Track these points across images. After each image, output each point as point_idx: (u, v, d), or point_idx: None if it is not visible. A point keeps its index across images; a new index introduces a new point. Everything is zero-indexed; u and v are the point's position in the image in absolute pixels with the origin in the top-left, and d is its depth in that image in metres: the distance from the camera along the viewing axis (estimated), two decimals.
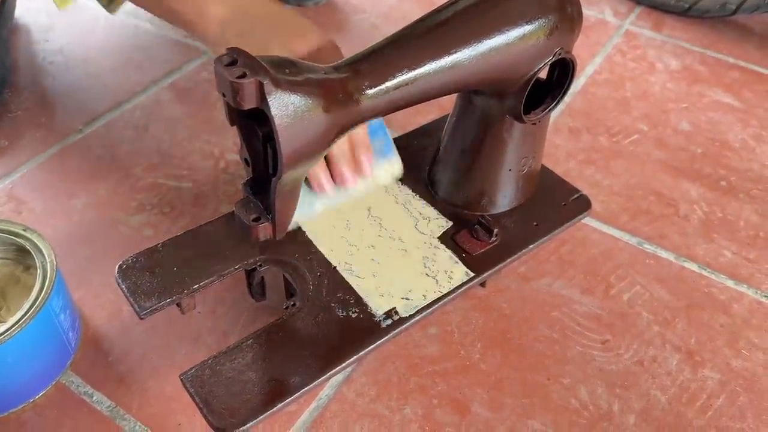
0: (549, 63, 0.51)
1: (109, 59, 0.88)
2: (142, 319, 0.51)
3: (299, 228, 0.57)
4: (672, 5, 0.99)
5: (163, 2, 0.58)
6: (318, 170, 0.51)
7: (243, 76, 0.38)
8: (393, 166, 0.57)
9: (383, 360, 0.57)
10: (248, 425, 0.44)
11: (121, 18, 0.96)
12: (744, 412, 0.54)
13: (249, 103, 0.38)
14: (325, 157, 0.51)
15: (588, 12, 1.00)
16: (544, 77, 0.55)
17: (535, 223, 0.59)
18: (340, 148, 0.51)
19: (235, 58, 0.39)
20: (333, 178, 0.53)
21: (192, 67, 0.88)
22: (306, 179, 0.52)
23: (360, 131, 0.52)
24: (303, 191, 0.51)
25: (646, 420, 0.54)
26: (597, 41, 0.95)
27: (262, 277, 0.56)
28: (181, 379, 0.47)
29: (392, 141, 0.57)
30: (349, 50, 0.46)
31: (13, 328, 0.49)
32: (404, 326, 0.51)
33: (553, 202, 0.61)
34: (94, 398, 0.54)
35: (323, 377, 0.47)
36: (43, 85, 0.85)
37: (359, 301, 0.52)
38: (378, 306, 0.52)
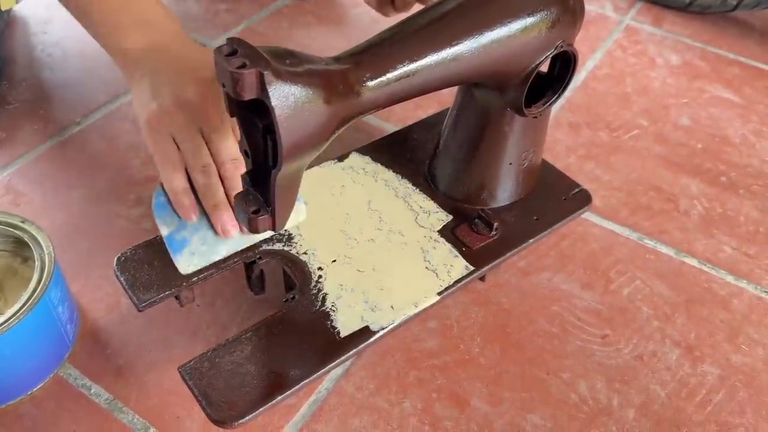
0: (550, 56, 0.51)
1: None
2: (140, 311, 0.50)
3: (299, 221, 0.57)
4: (673, 1, 0.99)
5: (86, 23, 0.59)
6: (222, 211, 0.51)
7: (243, 66, 0.37)
8: (299, 213, 0.56)
9: (382, 354, 0.56)
10: (247, 418, 0.44)
11: None
12: (743, 408, 0.54)
13: (249, 93, 0.38)
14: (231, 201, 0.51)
15: (589, 7, 0.99)
16: (546, 71, 0.55)
17: (535, 218, 0.59)
18: None
19: (235, 48, 0.38)
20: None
21: None
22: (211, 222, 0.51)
23: None
24: (209, 235, 0.51)
25: (646, 415, 0.53)
26: (597, 36, 0.95)
27: (261, 270, 0.56)
28: (180, 372, 0.46)
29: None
30: (349, 44, 0.46)
31: (11, 320, 0.48)
32: (404, 318, 0.51)
33: (554, 197, 0.61)
34: (92, 391, 0.54)
35: (322, 370, 0.47)
36: (41, 77, 0.84)
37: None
38: (377, 300, 0.52)
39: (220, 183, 0.51)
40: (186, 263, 0.51)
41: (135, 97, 0.55)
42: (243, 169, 0.50)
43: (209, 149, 0.52)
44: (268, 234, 0.54)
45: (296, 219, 0.55)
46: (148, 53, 0.56)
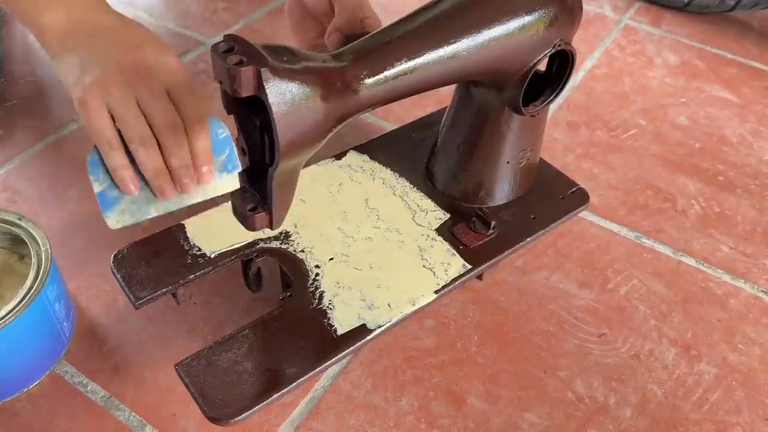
0: (548, 54, 0.51)
1: None
2: (137, 309, 0.50)
3: (296, 219, 0.57)
4: (671, 1, 0.99)
5: (8, 4, 0.57)
6: (161, 180, 0.50)
7: (240, 63, 0.37)
8: (234, 179, 0.53)
9: (379, 352, 0.56)
10: (243, 415, 0.44)
11: (118, 7, 0.95)
12: (740, 407, 0.54)
13: (246, 90, 0.38)
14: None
15: (587, 6, 0.99)
16: (543, 69, 0.55)
17: (532, 216, 0.59)
18: (182, 160, 0.50)
19: (232, 45, 0.38)
20: (174, 185, 0.51)
21: (189, 58, 0.87)
22: (147, 183, 0.51)
23: (203, 144, 0.51)
24: (140, 194, 0.51)
25: (642, 413, 0.54)
26: (596, 36, 0.95)
27: (259, 268, 0.56)
28: (176, 369, 0.46)
29: (237, 155, 0.53)
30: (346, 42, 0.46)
31: (7, 317, 0.48)
32: (401, 317, 0.51)
33: (551, 196, 0.61)
34: (89, 388, 0.54)
35: (319, 368, 0.47)
36: (39, 74, 0.84)
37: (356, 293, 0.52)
38: (374, 298, 0.52)
39: (157, 151, 0.50)
40: (115, 220, 0.50)
41: (62, 75, 0.54)
42: (180, 132, 0.50)
43: (144, 114, 0.51)
44: (217, 192, 0.53)
45: (232, 185, 0.53)
46: (71, 27, 0.54)
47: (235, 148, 0.53)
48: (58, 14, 0.55)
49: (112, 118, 0.50)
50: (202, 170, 0.50)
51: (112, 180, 0.51)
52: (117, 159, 0.50)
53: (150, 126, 0.50)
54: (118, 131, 0.50)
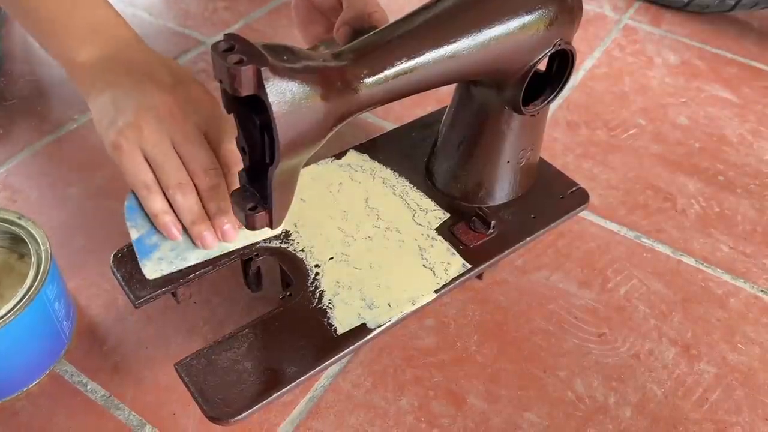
0: (548, 54, 0.51)
1: None
2: (137, 308, 0.50)
3: (296, 218, 0.57)
4: (671, 0, 0.99)
5: (33, 31, 0.55)
6: (201, 227, 0.49)
7: (240, 62, 0.37)
8: None
9: (379, 351, 0.56)
10: (243, 415, 0.44)
11: (118, 6, 0.95)
12: (740, 406, 0.54)
13: (246, 89, 0.38)
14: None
15: (587, 6, 0.99)
16: (544, 69, 0.55)
17: (532, 216, 0.59)
18: (221, 205, 0.50)
19: (232, 44, 0.38)
20: (215, 232, 0.51)
21: (189, 57, 0.87)
22: (190, 237, 0.50)
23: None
24: (179, 241, 0.50)
25: (642, 413, 0.54)
26: (596, 35, 0.95)
27: (259, 268, 0.56)
28: (176, 369, 0.46)
29: None
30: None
31: (7, 316, 0.48)
32: (401, 316, 0.51)
33: (551, 195, 0.61)
34: (89, 387, 0.54)
35: (319, 368, 0.47)
36: (39, 73, 0.84)
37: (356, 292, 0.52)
38: (374, 297, 0.52)
39: (196, 197, 0.50)
40: (153, 269, 0.50)
41: (95, 115, 0.52)
42: (218, 176, 0.49)
43: (181, 159, 0.50)
44: (258, 237, 0.53)
45: (272, 229, 0.54)
46: (104, 65, 0.53)
47: None
48: (90, 51, 0.53)
49: (148, 162, 0.49)
50: None
51: (150, 227, 0.50)
52: (158, 204, 0.49)
53: (187, 170, 0.49)
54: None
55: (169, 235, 0.50)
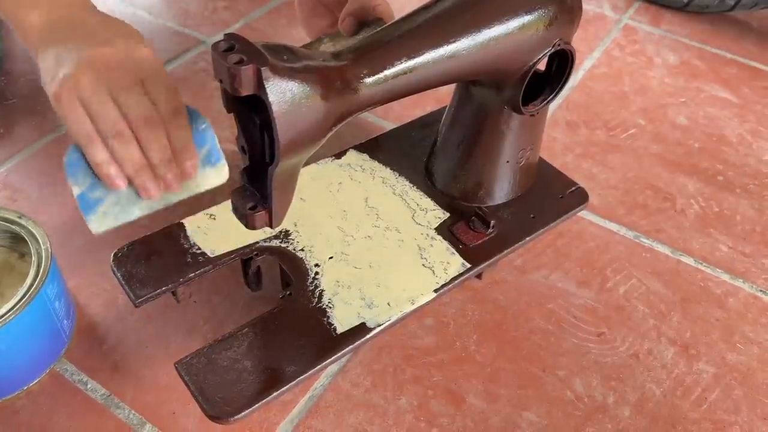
0: (548, 54, 0.51)
1: None
2: (137, 307, 0.50)
3: (296, 218, 0.57)
4: (671, 0, 0.99)
5: None
6: (144, 177, 0.49)
7: (241, 62, 0.37)
8: (219, 172, 0.53)
9: (378, 350, 0.57)
10: (243, 414, 0.44)
11: (118, 6, 0.95)
12: (739, 406, 0.54)
13: (246, 89, 0.38)
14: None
15: (587, 6, 0.99)
16: (543, 69, 0.55)
17: (532, 216, 0.59)
18: (162, 154, 0.49)
19: (232, 44, 0.38)
20: (158, 182, 0.50)
21: (189, 56, 0.87)
22: (130, 184, 0.49)
23: (184, 137, 0.50)
24: (122, 195, 0.49)
25: (641, 412, 0.54)
26: (595, 35, 0.95)
27: (258, 267, 0.56)
28: (176, 368, 0.47)
29: (219, 146, 0.53)
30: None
31: (7, 315, 0.48)
32: (400, 315, 0.51)
33: (551, 195, 0.61)
34: (89, 386, 0.54)
35: (318, 367, 0.47)
36: (39, 72, 0.84)
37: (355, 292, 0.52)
38: (374, 297, 0.52)
39: (136, 146, 0.49)
40: (98, 223, 0.49)
41: (41, 72, 0.53)
42: (158, 125, 0.49)
43: (119, 107, 0.49)
44: (203, 186, 0.52)
45: (218, 179, 0.53)
46: (52, 26, 0.54)
47: (216, 139, 0.51)
48: (40, 13, 0.54)
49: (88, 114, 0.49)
50: (186, 165, 0.49)
51: (93, 181, 0.49)
52: (100, 153, 0.48)
53: (126, 120, 0.49)
54: None
55: (112, 184, 0.49)
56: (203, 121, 0.51)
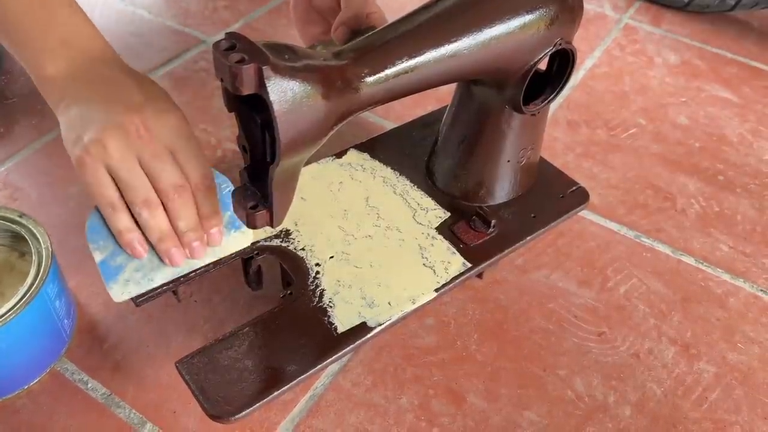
0: (549, 53, 0.51)
1: None
2: (137, 306, 0.50)
3: (296, 217, 0.57)
4: (672, 0, 0.99)
5: (7, 42, 0.54)
6: (169, 244, 0.48)
7: (242, 61, 0.37)
8: (245, 235, 0.53)
9: (379, 350, 0.57)
10: (244, 413, 0.44)
11: (118, 5, 0.95)
12: (739, 406, 0.54)
13: (248, 88, 0.38)
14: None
15: (587, 6, 0.99)
16: (544, 68, 0.55)
17: (532, 215, 0.59)
18: (190, 223, 0.49)
19: (233, 42, 0.38)
20: (183, 249, 0.50)
21: (189, 55, 0.87)
22: (157, 254, 0.49)
23: (212, 204, 0.50)
24: (145, 261, 0.49)
25: (642, 412, 0.54)
26: (596, 35, 0.95)
27: (259, 266, 0.56)
28: (177, 367, 0.47)
29: None
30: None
31: (8, 314, 0.48)
32: (401, 315, 0.51)
33: (551, 194, 0.61)
34: (89, 386, 0.54)
35: (319, 366, 0.47)
36: (61, 128, 0.84)
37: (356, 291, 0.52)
38: (374, 296, 0.52)
39: (163, 214, 0.49)
40: (120, 291, 0.49)
41: (63, 130, 0.51)
42: (186, 193, 0.49)
43: (147, 175, 0.49)
44: (224, 252, 0.52)
45: (242, 243, 0.53)
46: (73, 80, 0.52)
47: None
48: (60, 64, 0.52)
49: (114, 180, 0.48)
50: (212, 232, 0.49)
51: (114, 247, 0.49)
52: (122, 221, 0.48)
53: (154, 188, 0.48)
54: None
55: (133, 252, 0.49)
56: (227, 184, 0.51)
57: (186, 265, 0.50)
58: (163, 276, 0.50)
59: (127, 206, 0.49)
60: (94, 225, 0.50)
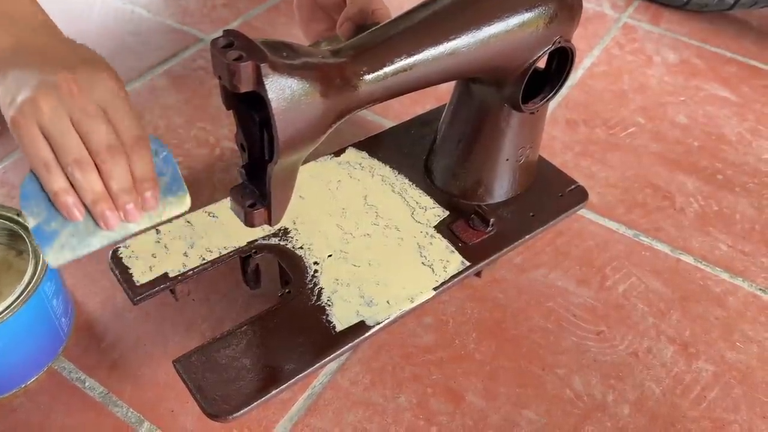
0: (548, 51, 0.51)
1: (104, 45, 0.87)
2: (135, 305, 0.50)
3: (295, 216, 0.57)
4: None
5: None
6: (103, 206, 0.47)
7: (240, 58, 0.37)
8: (181, 202, 0.51)
9: (378, 348, 0.56)
10: (242, 412, 0.44)
11: (117, 3, 0.95)
12: (738, 404, 0.54)
13: (246, 86, 0.38)
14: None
15: (587, 4, 0.99)
16: (543, 67, 0.55)
17: (531, 214, 0.59)
18: (123, 183, 0.48)
19: (231, 40, 0.38)
20: (117, 212, 0.48)
21: (188, 54, 0.87)
22: (90, 215, 0.48)
23: (146, 166, 0.49)
24: (80, 226, 0.48)
25: (641, 411, 0.54)
26: (595, 34, 0.95)
27: (257, 265, 0.56)
28: (175, 365, 0.46)
29: (180, 175, 0.51)
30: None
31: (5, 313, 0.48)
32: (399, 313, 0.51)
33: (550, 193, 0.61)
34: (87, 384, 0.54)
35: (317, 364, 0.47)
36: None
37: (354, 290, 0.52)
38: (373, 295, 0.51)
39: (96, 175, 0.47)
40: (55, 257, 0.47)
41: (1, 98, 0.50)
42: (120, 153, 0.47)
43: (80, 135, 0.48)
44: (155, 219, 0.50)
45: (179, 209, 0.51)
46: (15, 51, 0.52)
47: (178, 168, 0.50)
48: (5, 40, 0.52)
49: (48, 141, 0.47)
50: (146, 195, 0.48)
51: (48, 212, 0.48)
52: (57, 182, 0.47)
53: (87, 148, 0.47)
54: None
55: (69, 215, 0.47)
56: (165, 150, 0.50)
57: (122, 230, 0.49)
58: (99, 241, 0.48)
59: (62, 168, 0.47)
60: (27, 190, 0.48)
